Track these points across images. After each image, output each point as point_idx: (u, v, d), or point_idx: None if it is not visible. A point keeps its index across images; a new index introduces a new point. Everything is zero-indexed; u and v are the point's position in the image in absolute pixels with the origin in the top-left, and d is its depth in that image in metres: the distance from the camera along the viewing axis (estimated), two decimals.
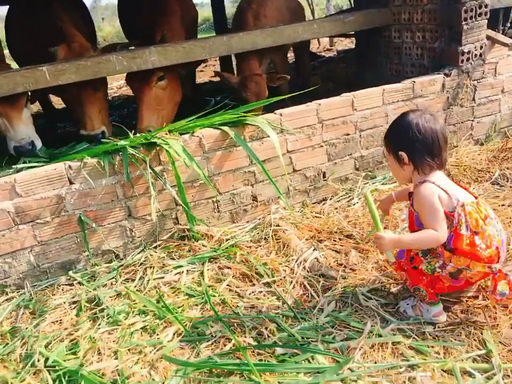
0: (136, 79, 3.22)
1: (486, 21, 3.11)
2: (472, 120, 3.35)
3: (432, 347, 1.70)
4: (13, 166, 2.58)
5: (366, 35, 3.90)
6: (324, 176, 2.96)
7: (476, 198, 1.76)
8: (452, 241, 1.68)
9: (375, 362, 1.65)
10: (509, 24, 3.73)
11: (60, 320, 2.13)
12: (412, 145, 1.74)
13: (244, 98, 3.56)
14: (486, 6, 3.04)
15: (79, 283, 2.39)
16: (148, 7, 3.78)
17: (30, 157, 2.79)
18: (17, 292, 2.37)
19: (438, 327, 1.80)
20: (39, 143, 2.97)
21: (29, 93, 3.00)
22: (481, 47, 3.16)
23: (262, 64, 3.78)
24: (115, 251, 2.55)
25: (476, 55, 3.16)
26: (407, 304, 1.91)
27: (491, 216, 1.72)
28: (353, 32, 4.73)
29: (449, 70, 3.13)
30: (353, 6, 5.27)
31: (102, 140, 2.89)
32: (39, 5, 3.59)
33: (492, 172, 2.98)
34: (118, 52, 3.00)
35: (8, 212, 2.26)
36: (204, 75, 8.25)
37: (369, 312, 1.91)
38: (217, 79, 7.49)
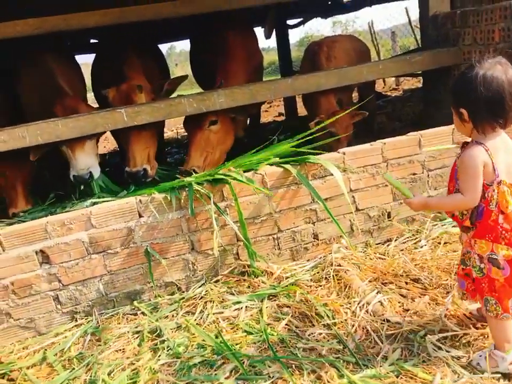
0: (190, 122, 3.37)
1: None
2: None
3: None
4: (87, 200, 2.78)
5: (434, 73, 3.83)
6: (389, 216, 2.87)
7: None
8: (483, 213, 1.67)
9: None
10: None
11: (123, 349, 2.20)
12: (473, 102, 1.60)
13: (333, 134, 3.57)
14: None
15: (143, 313, 2.46)
16: (213, 53, 3.99)
17: (87, 186, 2.97)
18: (86, 319, 2.49)
19: None
20: (97, 173, 3.14)
21: None
22: None
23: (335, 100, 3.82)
24: (177, 283, 2.61)
25: None
26: (480, 356, 1.76)
27: None
28: (420, 72, 4.68)
29: None
30: (420, 45, 5.23)
31: (143, 179, 3.04)
32: (115, 53, 3.89)
33: None
34: (188, 95, 3.18)
35: (82, 241, 2.42)
36: (268, 115, 8.48)
37: (438, 363, 1.77)
38: (281, 118, 7.68)
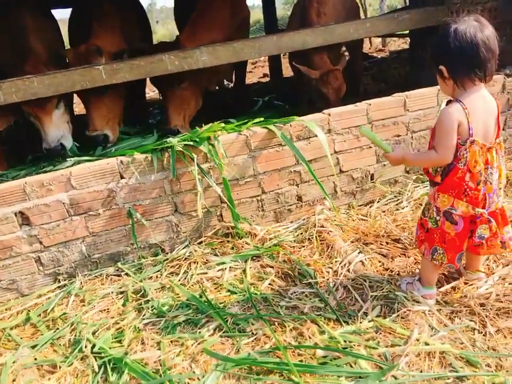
0: (161, 81, 3.28)
1: None
2: None
3: (484, 358, 1.61)
4: (67, 160, 2.72)
5: (421, 34, 3.76)
6: (372, 178, 2.89)
7: (494, 143, 1.71)
8: (451, 171, 1.72)
9: (421, 371, 1.58)
10: None
11: (107, 309, 2.21)
12: (450, 57, 1.64)
13: (324, 95, 3.51)
14: None
15: (127, 274, 2.46)
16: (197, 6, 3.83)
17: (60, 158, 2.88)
18: (69, 280, 2.48)
19: (492, 336, 1.70)
20: (69, 143, 3.03)
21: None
22: None
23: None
24: (161, 245, 2.61)
25: None
26: (405, 280, 2.03)
27: (493, 165, 1.71)
28: (407, 32, 4.59)
29: (510, 71, 2.96)
30: (408, 4, 5.11)
31: (103, 144, 2.98)
32: (90, 7, 3.68)
33: None
34: (170, 52, 3.06)
35: (63, 203, 2.38)
36: (252, 76, 8.31)
37: (416, 318, 1.83)
38: (265, 79, 7.53)
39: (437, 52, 1.71)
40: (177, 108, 3.32)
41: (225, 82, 5.11)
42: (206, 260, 2.47)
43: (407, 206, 2.74)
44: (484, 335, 1.72)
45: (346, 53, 4.31)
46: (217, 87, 4.64)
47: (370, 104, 2.75)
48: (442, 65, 1.67)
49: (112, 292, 2.33)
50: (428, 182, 2.88)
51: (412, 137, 2.89)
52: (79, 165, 2.49)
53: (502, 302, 1.84)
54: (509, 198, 2.66)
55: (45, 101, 2.93)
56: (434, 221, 1.81)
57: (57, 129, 3.03)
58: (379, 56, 7.90)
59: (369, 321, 1.85)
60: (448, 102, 1.76)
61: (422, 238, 1.90)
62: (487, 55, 1.61)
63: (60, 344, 2.00)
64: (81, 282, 2.45)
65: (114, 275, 2.50)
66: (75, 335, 2.03)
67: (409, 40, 4.49)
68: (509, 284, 1.94)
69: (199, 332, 1.92)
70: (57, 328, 2.11)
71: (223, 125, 2.67)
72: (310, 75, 3.57)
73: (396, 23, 3.46)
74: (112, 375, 1.76)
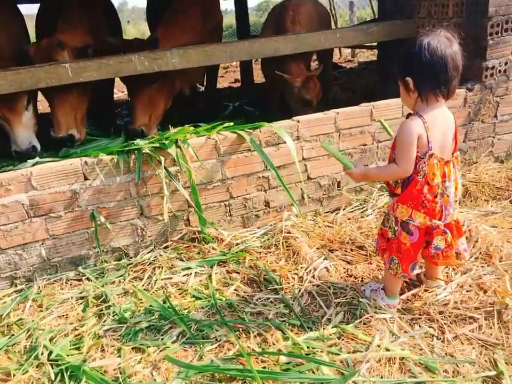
0: (131, 80, 3.23)
1: None
2: (493, 137, 3.28)
3: (442, 364, 1.65)
4: (28, 161, 2.62)
5: (389, 47, 3.86)
6: (339, 186, 2.93)
7: (451, 157, 1.77)
8: (410, 183, 1.75)
9: (382, 377, 1.61)
10: None
11: (66, 314, 2.14)
12: (418, 70, 1.66)
13: (307, 100, 3.63)
14: None
15: (88, 279, 2.39)
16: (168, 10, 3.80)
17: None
18: (26, 284, 2.38)
19: (449, 343, 1.75)
20: (38, 145, 2.94)
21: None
22: (505, 63, 3.10)
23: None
24: (125, 249, 2.55)
25: (500, 71, 3.10)
26: (370, 286, 2.05)
27: (450, 179, 1.76)
28: (375, 44, 4.70)
29: (472, 85, 3.08)
30: (377, 17, 5.24)
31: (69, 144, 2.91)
32: (56, 3, 3.59)
33: (511, 190, 2.91)
34: (140, 53, 3.01)
35: (22, 204, 2.29)
36: (223, 80, 8.30)
37: (378, 325, 1.86)
38: (237, 84, 7.54)
39: (405, 63, 1.72)
40: (144, 108, 3.26)
41: (197, 86, 5.09)
42: (171, 265, 2.43)
43: (371, 214, 2.79)
44: (442, 341, 1.77)
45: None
46: (189, 91, 4.60)
47: (338, 113, 2.79)
48: (410, 77, 1.68)
49: (71, 297, 2.25)
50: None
51: (378, 146, 2.95)
52: (41, 165, 2.41)
53: (459, 309, 1.89)
54: (468, 208, 2.75)
55: (15, 102, 2.85)
56: (393, 231, 1.86)
57: (27, 131, 2.94)
58: (348, 67, 8.07)
59: (332, 327, 1.87)
60: (408, 115, 1.81)
61: (384, 247, 1.93)
62: (454, 72, 1.66)
63: (14, 351, 1.91)
64: (39, 287, 2.36)
65: (75, 280, 2.42)
66: (31, 342, 1.95)
67: (377, 52, 4.60)
68: (466, 291, 2.01)
69: (162, 339, 1.89)
70: (13, 335, 2.02)
71: (192, 128, 2.65)
72: (293, 82, 3.64)
73: (364, 34, 3.54)
74: (69, 383, 1.70)
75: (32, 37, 4.00)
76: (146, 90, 3.27)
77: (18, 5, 4.03)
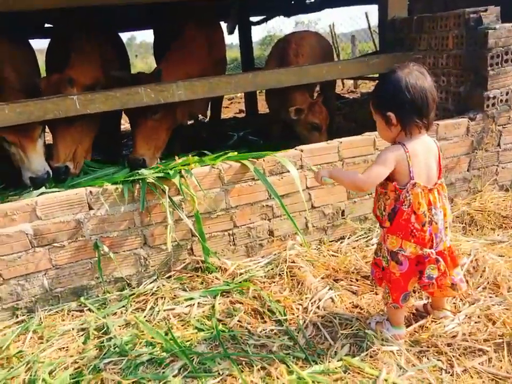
0: (132, 110, 3.29)
1: None
2: (497, 166, 3.28)
3: None
4: (33, 191, 2.65)
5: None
6: (343, 214, 2.92)
7: (435, 184, 1.77)
8: (397, 214, 1.75)
9: None
10: None
11: (67, 347, 2.10)
12: (401, 106, 1.68)
13: (315, 124, 3.75)
14: None
15: (89, 310, 2.36)
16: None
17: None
18: (28, 315, 2.36)
19: (459, 377, 1.69)
20: (51, 173, 3.00)
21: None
22: (507, 93, 3.13)
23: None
24: (128, 279, 2.53)
25: (501, 100, 3.13)
26: (375, 319, 2.02)
27: (437, 206, 1.76)
28: (377, 75, 4.79)
29: (474, 114, 3.11)
30: (378, 50, 5.35)
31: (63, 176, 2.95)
32: (67, 39, 3.68)
33: None
34: (146, 85, 3.08)
35: (26, 233, 2.29)
36: (228, 111, 8.44)
37: (385, 358, 1.81)
38: (241, 115, 7.66)
39: (386, 99, 1.73)
40: (146, 137, 3.31)
41: (200, 117, 5.17)
42: (174, 295, 2.40)
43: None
44: (451, 375, 1.71)
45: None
46: (191, 121, 4.68)
47: (341, 142, 2.81)
48: (392, 112, 1.70)
49: (72, 329, 2.22)
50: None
51: None
52: (46, 194, 2.42)
53: (468, 341, 1.84)
54: (474, 237, 2.72)
55: (30, 130, 2.93)
56: (386, 260, 1.85)
57: (41, 157, 3.02)
58: (351, 97, 8.20)
59: (338, 361, 1.82)
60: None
61: (380, 276, 1.92)
62: (433, 104, 1.72)
63: None
64: (40, 318, 2.33)
65: (76, 310, 2.39)
66: (30, 375, 1.91)
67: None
68: (475, 322, 1.96)
69: (163, 372, 1.84)
70: (12, 367, 1.98)
71: (197, 158, 2.67)
72: (300, 107, 3.74)
73: (366, 66, 3.61)
74: None
75: (42, 71, 4.11)
76: (147, 121, 3.33)
77: (30, 40, 4.18)
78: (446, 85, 3.37)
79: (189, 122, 4.55)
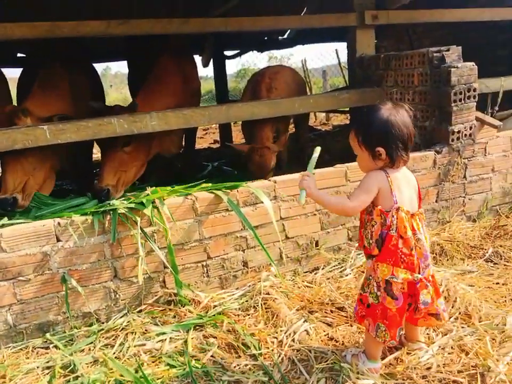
0: (102, 141, 3.29)
1: (475, 103, 3.25)
2: (464, 197, 3.39)
3: None
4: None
5: (361, 111, 4.06)
6: (317, 245, 2.93)
7: (417, 211, 1.82)
8: (385, 239, 1.77)
9: None
10: (497, 108, 3.89)
11: None
12: (391, 142, 1.75)
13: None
14: (474, 90, 3.20)
15: (56, 347, 2.25)
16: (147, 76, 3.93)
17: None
18: None
19: None
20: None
21: None
22: (470, 128, 3.28)
23: (271, 133, 3.96)
24: (96, 314, 2.44)
25: (465, 134, 3.27)
26: (350, 351, 1.99)
27: (421, 231, 1.80)
28: (348, 109, 4.94)
29: (440, 148, 3.23)
30: (348, 85, 5.55)
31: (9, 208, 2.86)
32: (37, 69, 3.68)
33: (485, 249, 2.96)
34: (119, 116, 3.07)
35: None
36: (203, 141, 8.48)
37: None
38: (216, 145, 7.71)
39: (376, 136, 1.77)
40: (113, 168, 3.26)
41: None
42: (145, 330, 2.32)
43: (350, 274, 2.77)
44: None
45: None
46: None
47: (314, 174, 2.85)
48: (381, 147, 1.76)
49: (37, 367, 2.10)
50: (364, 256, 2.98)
51: None
52: (12, 226, 2.34)
53: (442, 373, 1.84)
54: (445, 267, 2.77)
55: None
56: (375, 296, 1.81)
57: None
58: (323, 129, 8.40)
59: None
60: None
61: (363, 313, 1.87)
62: (412, 137, 1.81)
63: None
64: (3, 356, 2.20)
65: (42, 348, 2.27)
66: None
67: (349, 116, 4.82)
68: (448, 353, 1.97)
69: None
70: None
71: (169, 188, 2.65)
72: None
73: (336, 101, 3.74)
74: None
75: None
76: (118, 152, 3.29)
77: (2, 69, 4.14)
78: (412, 119, 3.50)
79: None
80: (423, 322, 1.88)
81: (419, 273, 1.79)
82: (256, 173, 3.75)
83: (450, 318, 2.21)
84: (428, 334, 2.13)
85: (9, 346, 2.27)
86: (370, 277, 1.85)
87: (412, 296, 1.82)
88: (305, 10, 6.30)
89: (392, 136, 1.75)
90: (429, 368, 1.88)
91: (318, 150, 1.96)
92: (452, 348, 2.00)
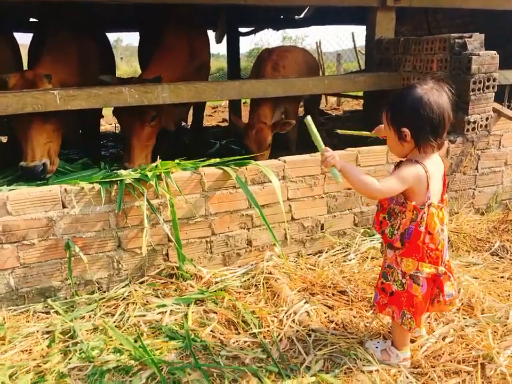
0: (127, 115, 3.21)
1: (493, 94, 3.17)
2: (474, 189, 3.35)
3: None
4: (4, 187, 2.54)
5: (374, 96, 3.98)
6: (322, 228, 2.91)
7: (442, 201, 1.77)
8: (412, 234, 1.71)
9: None
10: None
11: (30, 349, 2.00)
12: (418, 123, 1.63)
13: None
14: (494, 80, 3.12)
15: (56, 312, 2.27)
16: (156, 47, 3.85)
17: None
18: None
19: None
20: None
21: None
22: (487, 119, 3.21)
23: (275, 113, 3.87)
24: (98, 282, 2.45)
25: (481, 125, 3.21)
26: (376, 347, 1.92)
27: (444, 223, 1.76)
28: (361, 94, 4.85)
29: (454, 137, 3.17)
30: (363, 68, 5.44)
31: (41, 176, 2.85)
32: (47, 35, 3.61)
33: (492, 243, 2.93)
34: (131, 85, 3.02)
35: None
36: (212, 119, 8.41)
37: (359, 375, 1.78)
38: (224, 124, 7.64)
39: (402, 114, 1.67)
40: (142, 145, 3.23)
41: (183, 123, 5.12)
42: (146, 301, 2.33)
43: (354, 259, 2.76)
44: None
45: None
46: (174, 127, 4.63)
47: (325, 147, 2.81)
48: (407, 128, 1.66)
49: (37, 331, 2.12)
50: (375, 236, 2.96)
51: None
52: (18, 189, 2.33)
53: (452, 362, 1.83)
54: (449, 258, 2.74)
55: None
56: (401, 284, 1.76)
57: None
58: (333, 114, 8.29)
59: (311, 376, 1.79)
60: (400, 163, 1.79)
61: (385, 302, 1.82)
62: (448, 124, 1.68)
63: None
64: (4, 318, 2.22)
65: (43, 312, 2.29)
66: None
67: (363, 101, 4.74)
68: (449, 342, 1.96)
69: (130, 381, 1.77)
70: None
71: (177, 161, 2.62)
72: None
73: (352, 83, 3.66)
74: None
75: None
76: (144, 127, 3.24)
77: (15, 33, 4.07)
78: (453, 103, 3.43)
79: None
80: (436, 308, 1.84)
81: (441, 264, 1.75)
82: (250, 149, 3.69)
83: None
84: (429, 323, 2.11)
85: (10, 309, 2.29)
86: (393, 266, 1.79)
87: (436, 283, 1.78)
88: None
89: (420, 117, 1.62)
90: (428, 356, 1.87)
91: (310, 121, 1.76)
92: (452, 337, 1.99)
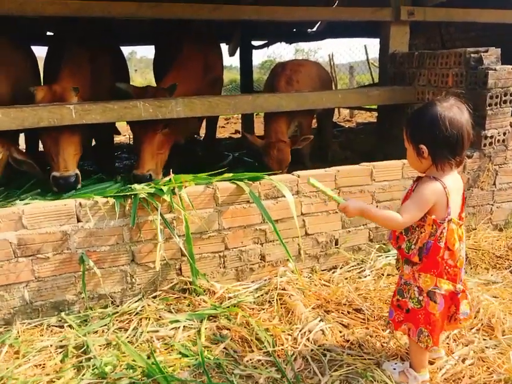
0: (140, 124, 3.24)
1: (511, 108, 3.13)
2: (492, 205, 3.29)
3: None
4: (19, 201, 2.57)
5: (388, 109, 3.96)
6: (336, 244, 2.87)
7: (461, 218, 1.75)
8: (430, 249, 1.69)
9: None
10: None
11: (44, 364, 2.00)
12: (435, 140, 1.62)
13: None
14: (511, 95, 3.08)
15: (70, 326, 2.26)
16: (171, 61, 3.88)
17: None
18: (5, 328, 2.25)
19: None
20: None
21: None
22: (504, 133, 3.16)
23: (290, 127, 3.87)
24: (112, 296, 2.44)
25: (498, 140, 3.16)
26: (394, 368, 1.88)
27: (463, 240, 1.75)
28: (374, 106, 4.84)
29: (471, 152, 3.12)
30: (377, 82, 5.43)
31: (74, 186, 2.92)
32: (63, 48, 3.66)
33: (511, 260, 2.86)
34: (145, 100, 3.04)
35: (10, 242, 2.20)
36: (224, 131, 8.45)
37: None
38: (237, 135, 7.66)
39: (420, 131, 1.67)
40: (153, 152, 3.24)
41: (195, 136, 5.15)
42: (159, 317, 2.31)
43: (369, 275, 2.71)
44: None
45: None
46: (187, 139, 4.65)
47: (339, 171, 2.79)
48: (424, 145, 1.65)
49: (51, 345, 2.11)
50: (390, 252, 2.91)
51: (377, 206, 2.93)
52: (34, 203, 2.35)
53: None
54: (468, 276, 2.69)
55: None
56: (417, 301, 1.74)
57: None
58: (346, 126, 8.27)
59: None
60: (419, 178, 1.78)
61: (401, 319, 1.80)
62: (468, 142, 1.66)
63: None
64: (18, 332, 2.22)
65: (56, 326, 2.28)
66: None
67: (376, 114, 4.71)
68: (469, 365, 1.90)
69: None
70: None
71: (191, 176, 2.62)
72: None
73: (366, 97, 3.64)
74: None
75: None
76: (157, 134, 3.26)
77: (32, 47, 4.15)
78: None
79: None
80: (452, 325, 1.81)
81: (459, 282, 1.74)
82: (274, 168, 3.69)
83: (472, 328, 2.14)
84: (448, 343, 2.06)
85: (24, 322, 2.29)
86: (410, 283, 1.77)
87: (453, 301, 1.75)
88: (336, 3, 6.17)
89: (437, 135, 1.61)
90: (448, 379, 1.82)
91: (313, 181, 1.82)
92: (472, 359, 1.93)
